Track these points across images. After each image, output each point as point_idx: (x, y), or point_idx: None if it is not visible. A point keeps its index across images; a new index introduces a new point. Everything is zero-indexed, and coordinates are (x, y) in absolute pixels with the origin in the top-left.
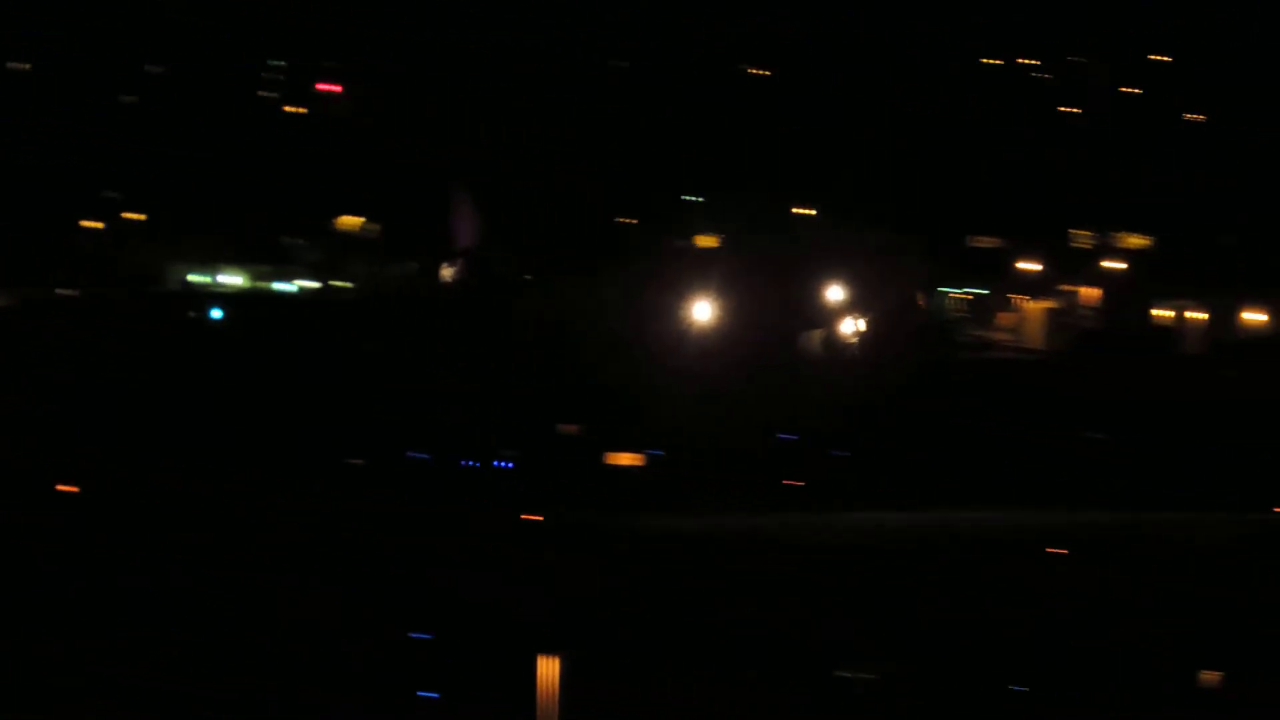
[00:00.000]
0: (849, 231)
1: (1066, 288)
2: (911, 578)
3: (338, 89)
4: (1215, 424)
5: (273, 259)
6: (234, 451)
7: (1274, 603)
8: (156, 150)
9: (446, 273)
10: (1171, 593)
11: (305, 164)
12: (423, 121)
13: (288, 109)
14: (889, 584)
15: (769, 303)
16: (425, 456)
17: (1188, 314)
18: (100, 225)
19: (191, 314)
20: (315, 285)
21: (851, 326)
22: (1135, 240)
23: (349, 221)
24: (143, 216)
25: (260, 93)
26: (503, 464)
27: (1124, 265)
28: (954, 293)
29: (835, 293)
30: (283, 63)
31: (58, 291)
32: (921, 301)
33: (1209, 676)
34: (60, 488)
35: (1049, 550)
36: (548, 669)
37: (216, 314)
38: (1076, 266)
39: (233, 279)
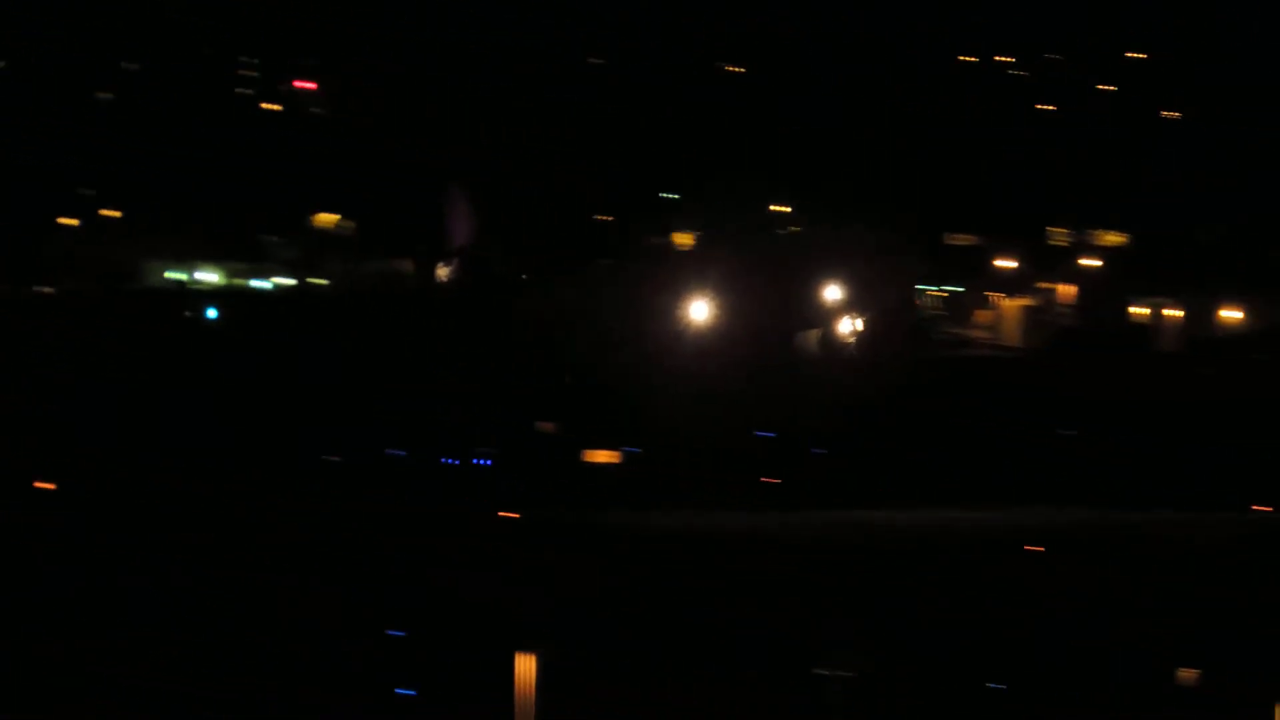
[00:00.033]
0: (844, 230)
1: (1044, 285)
2: (899, 576)
3: (314, 86)
4: (1192, 422)
5: (249, 256)
6: (223, 450)
7: (1260, 600)
8: (133, 147)
9: (442, 272)
10: (1158, 591)
11: (282, 161)
12: (407, 118)
13: (264, 106)
14: (872, 582)
15: (765, 302)
16: (402, 453)
17: (1165, 311)
18: (76, 222)
19: (187, 313)
20: (291, 282)
21: (849, 326)
22: (1112, 238)
23: (325, 219)
24: (118, 213)
25: (237, 90)
26: (481, 461)
27: (1101, 263)
28: (931, 290)
29: (832, 292)
30: (258, 60)
31: (34, 289)
32: (917, 301)
33: (1187, 674)
34: (39, 485)
35: (1027, 548)
36: (525, 666)
37: (212, 313)
38: (1054, 264)
39: (209, 276)
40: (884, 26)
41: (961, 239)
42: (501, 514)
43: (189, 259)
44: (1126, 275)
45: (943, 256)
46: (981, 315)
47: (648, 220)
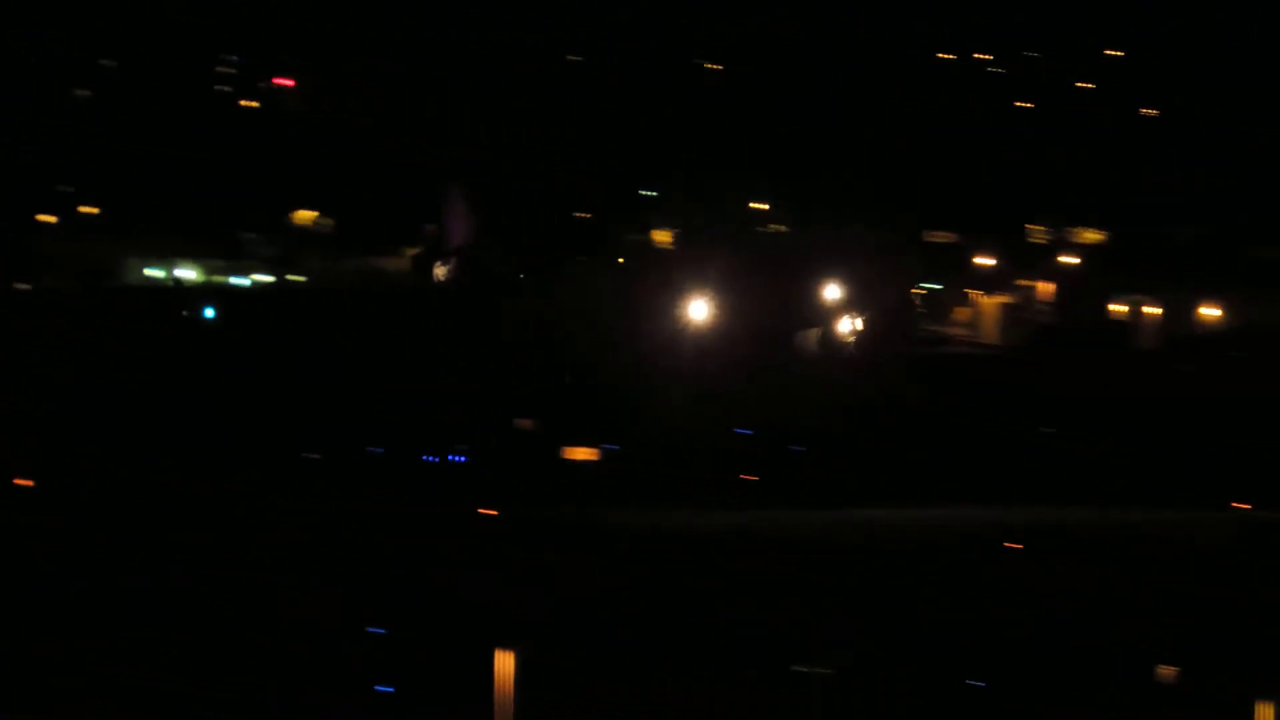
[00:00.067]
0: (842, 230)
1: (1023, 283)
2: (882, 574)
3: (292, 84)
4: (1171, 419)
5: (228, 253)
6: (216, 449)
7: (1240, 597)
8: (112, 145)
9: (440, 271)
10: (1139, 588)
11: (261, 159)
12: (385, 116)
13: (243, 103)
14: (854, 579)
15: (763, 302)
16: (380, 450)
17: (1143, 309)
18: (55, 219)
19: (185, 312)
20: (270, 279)
21: (848, 325)
22: (1091, 236)
23: (304, 216)
24: (97, 210)
25: (216, 87)
26: (457, 458)
27: (1080, 260)
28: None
29: (831, 292)
30: (237, 58)
31: (14, 286)
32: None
33: (1166, 671)
34: (18, 482)
35: (1006, 545)
36: (504, 664)
37: (209, 313)
38: (1033, 262)
39: (188, 273)
40: (862, 26)
41: (940, 236)
42: (481, 511)
43: (168, 256)
44: (1105, 273)
45: (922, 254)
46: (961, 313)
47: (643, 219)
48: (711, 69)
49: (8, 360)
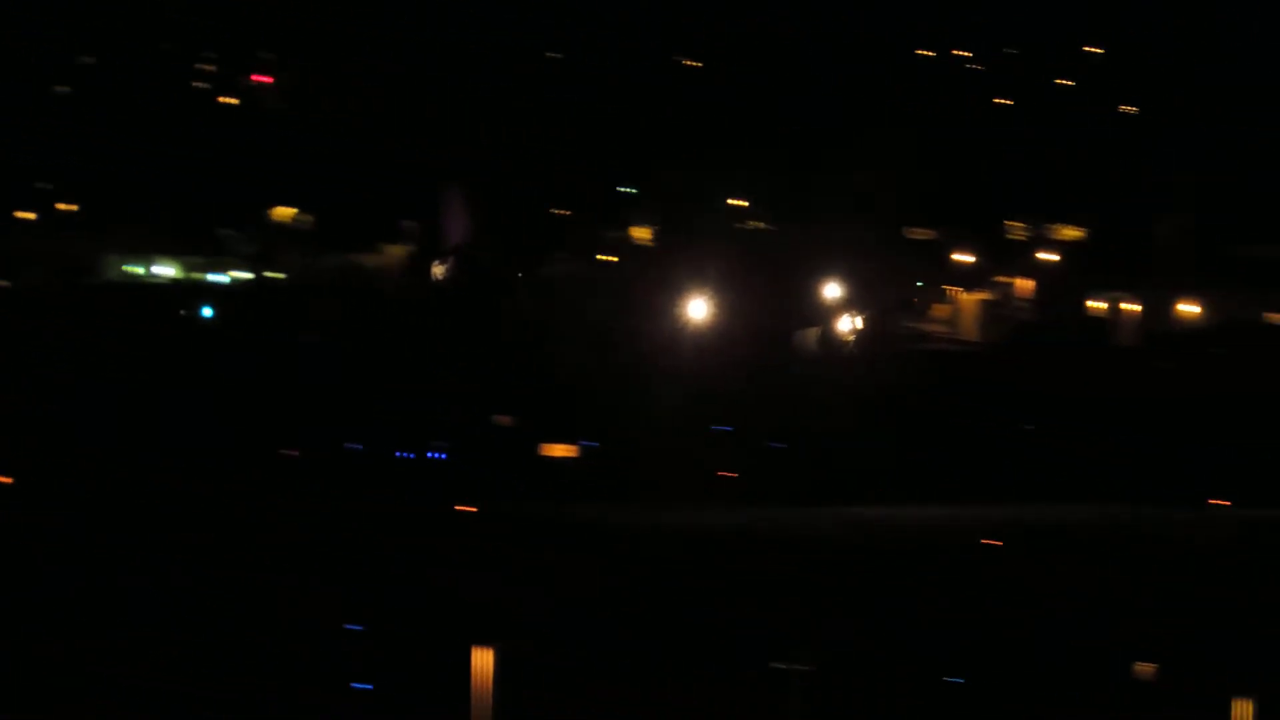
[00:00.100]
0: (833, 227)
1: (1001, 279)
2: (863, 572)
3: (270, 80)
4: (1150, 416)
5: (207, 250)
6: (209, 448)
7: (1218, 595)
8: (90, 141)
9: (437, 270)
10: (1118, 585)
11: (239, 155)
12: (367, 113)
13: (221, 100)
14: (835, 577)
15: (760, 301)
16: (358, 447)
17: (1122, 306)
18: (33, 216)
19: (182, 311)
20: (248, 276)
21: (848, 324)
22: (1070, 232)
23: (283, 212)
24: (75, 207)
25: (195, 84)
26: (435, 455)
27: (1058, 257)
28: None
29: (830, 290)
30: (216, 54)
31: None
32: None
33: (1143, 668)
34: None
35: (984, 541)
36: (482, 661)
37: (207, 312)
38: (1011, 258)
39: (167, 270)
40: (857, 25)
41: (919, 233)
42: (459, 508)
43: (147, 253)
44: (1084, 270)
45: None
46: (939, 309)
47: (629, 218)
48: (691, 65)
49: None
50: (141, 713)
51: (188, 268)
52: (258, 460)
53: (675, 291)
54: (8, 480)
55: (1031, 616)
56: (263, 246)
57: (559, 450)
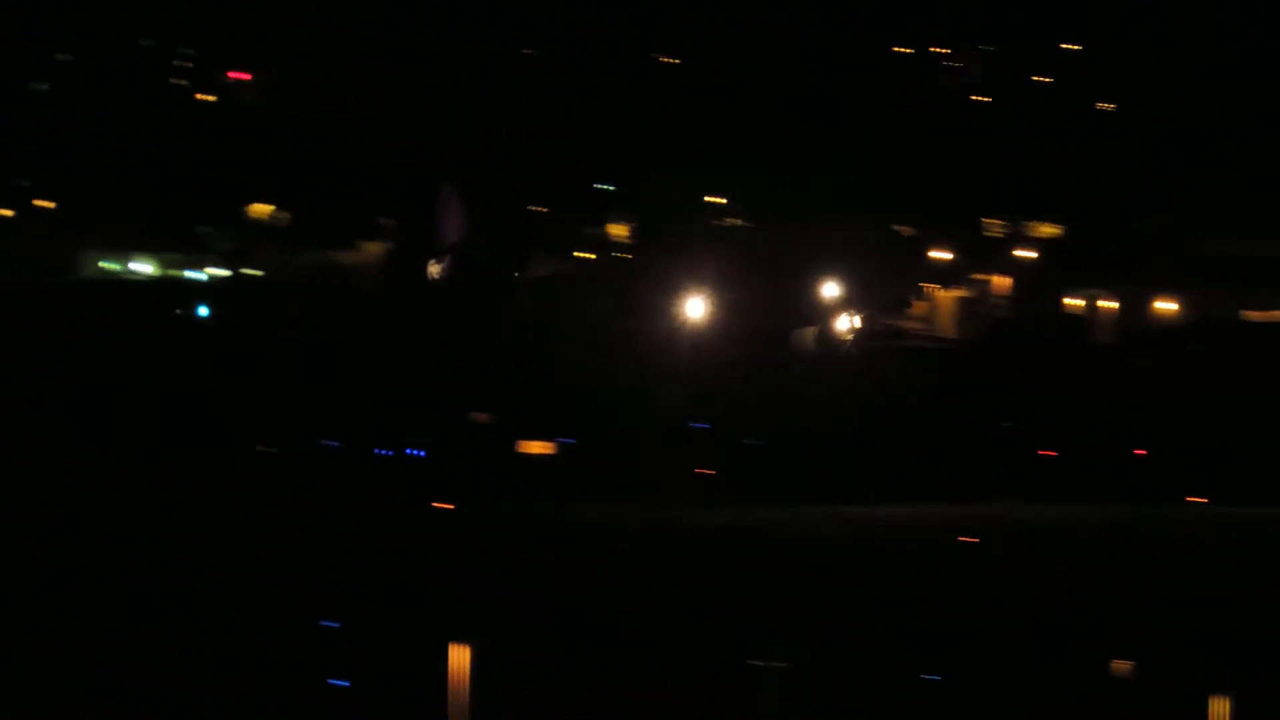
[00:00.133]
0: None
1: (978, 276)
2: (842, 570)
3: (248, 77)
4: (1128, 414)
5: (184, 247)
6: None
7: (1194, 592)
8: (67, 138)
9: (434, 269)
10: (1095, 583)
11: (217, 152)
12: (343, 109)
13: (199, 96)
14: (814, 574)
15: (760, 300)
16: (335, 444)
17: (1100, 303)
18: (11, 214)
19: (178, 310)
20: (226, 273)
21: (846, 323)
22: (1047, 229)
23: (260, 209)
24: (52, 204)
25: (172, 80)
26: (415, 452)
27: (1036, 254)
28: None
29: (827, 289)
30: (193, 50)
31: None
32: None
33: (1120, 666)
34: None
35: (961, 539)
36: (459, 657)
37: (203, 311)
38: (988, 255)
39: (144, 267)
40: (903, 27)
41: (898, 230)
42: (436, 504)
43: (125, 250)
44: (1061, 267)
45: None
46: (916, 306)
47: (616, 215)
48: (668, 62)
49: None
50: (141, 713)
51: (165, 265)
52: (246, 458)
53: (668, 291)
54: None
55: (1009, 614)
56: (240, 244)
57: (536, 447)
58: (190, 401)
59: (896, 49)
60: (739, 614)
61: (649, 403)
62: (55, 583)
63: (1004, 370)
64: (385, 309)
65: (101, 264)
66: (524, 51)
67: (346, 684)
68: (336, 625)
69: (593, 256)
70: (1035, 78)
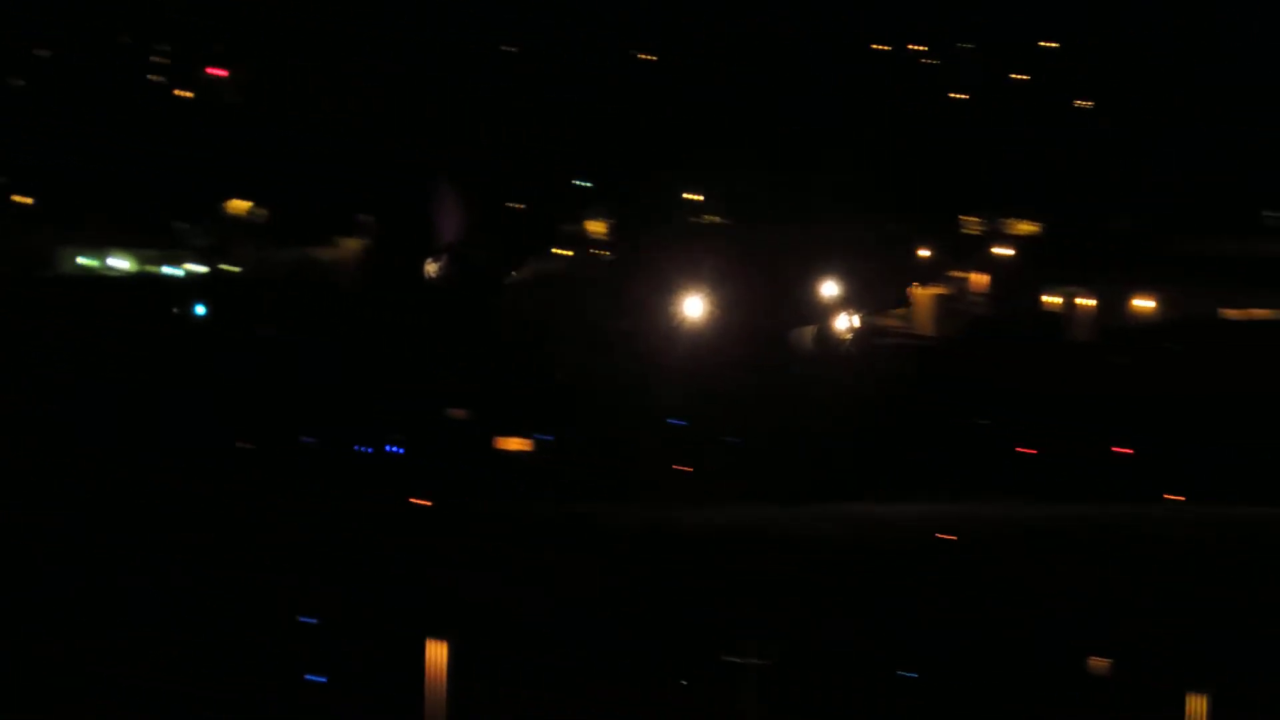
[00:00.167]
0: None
1: (957, 274)
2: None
3: (225, 74)
4: (1105, 411)
5: (161, 243)
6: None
7: (1172, 589)
8: (45, 135)
9: (431, 268)
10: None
11: (194, 148)
12: (322, 106)
13: (177, 93)
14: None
15: (758, 299)
16: (312, 440)
17: (1077, 300)
18: None
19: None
20: (203, 269)
21: (845, 322)
22: (1025, 227)
23: (237, 205)
24: (30, 200)
25: (150, 77)
26: (393, 449)
27: (1014, 252)
28: None
29: (830, 288)
30: (171, 47)
31: None
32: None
33: (1098, 663)
34: None
35: (938, 535)
36: (436, 653)
37: (200, 309)
38: (967, 253)
39: (121, 263)
40: (902, 27)
41: (893, 229)
42: (413, 500)
43: (102, 245)
44: (1039, 264)
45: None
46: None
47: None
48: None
49: None
50: (141, 713)
51: (143, 261)
52: (230, 456)
53: (665, 290)
54: None
55: (985, 611)
56: (218, 240)
57: (514, 444)
58: (177, 399)
59: (893, 48)
60: (721, 611)
61: (640, 401)
62: (55, 583)
63: (981, 368)
64: (365, 305)
65: (79, 260)
66: (504, 49)
67: (324, 679)
68: (314, 621)
69: (570, 253)
70: (1019, 76)
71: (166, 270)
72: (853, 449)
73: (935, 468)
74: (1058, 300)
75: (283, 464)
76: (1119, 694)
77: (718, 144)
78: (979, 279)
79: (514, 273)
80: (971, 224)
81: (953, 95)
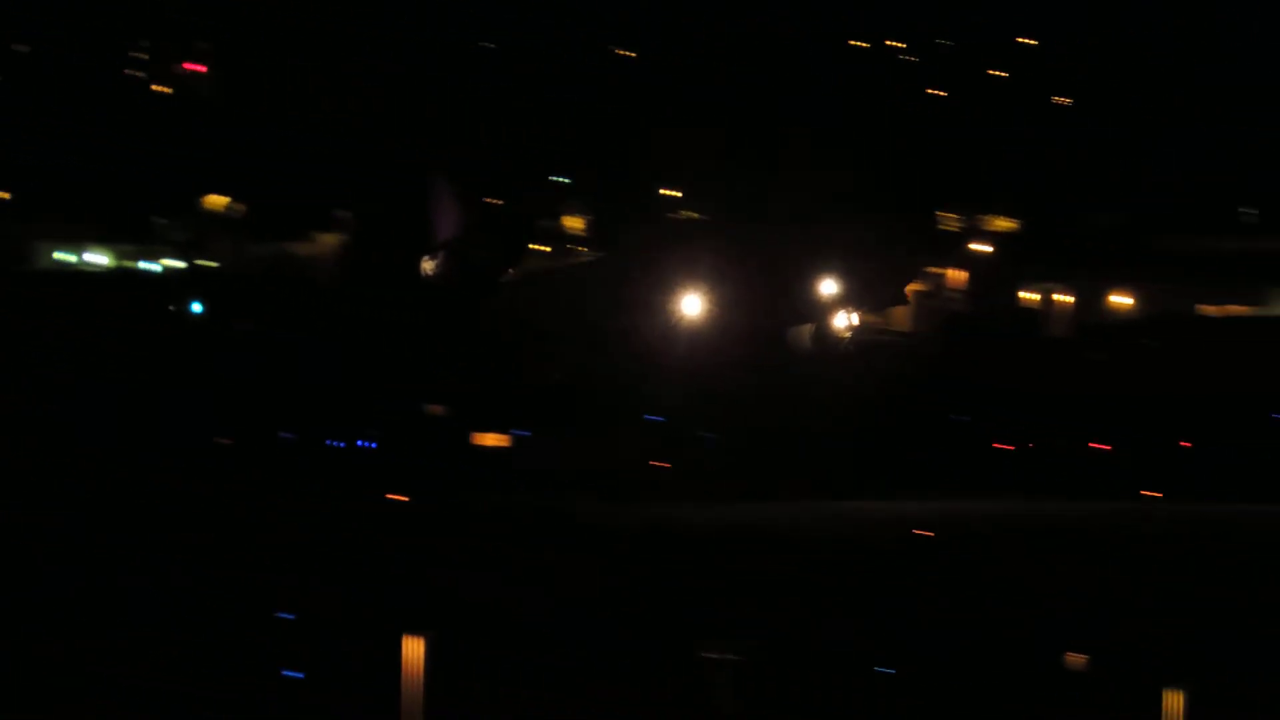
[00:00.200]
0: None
1: (933, 270)
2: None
3: (204, 69)
4: (1084, 408)
5: (138, 238)
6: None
7: (1149, 586)
8: (21, 129)
9: (428, 266)
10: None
11: (172, 144)
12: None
13: (155, 88)
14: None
15: (757, 297)
16: (291, 436)
17: (1055, 297)
18: None
19: (171, 307)
20: (181, 265)
21: (844, 321)
22: (1002, 223)
23: (215, 201)
24: (7, 195)
25: (128, 72)
26: (366, 444)
27: (991, 248)
28: None
29: (828, 287)
30: (149, 42)
31: None
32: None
33: (1073, 659)
34: None
35: (916, 532)
36: (413, 650)
37: (197, 308)
38: (944, 249)
39: (99, 258)
40: (902, 27)
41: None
42: (390, 496)
43: (79, 241)
44: (1017, 261)
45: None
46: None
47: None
48: (625, 55)
49: None
50: (141, 713)
51: (120, 256)
52: (214, 453)
53: (663, 289)
54: None
55: (962, 608)
56: (195, 235)
57: (491, 440)
58: (164, 396)
59: (871, 45)
60: (706, 609)
61: (639, 401)
62: (55, 583)
63: (959, 364)
64: (343, 301)
65: (56, 255)
66: (484, 45)
67: (300, 675)
68: (291, 617)
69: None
70: (997, 73)
71: (144, 266)
72: (852, 449)
73: (916, 465)
74: (1035, 297)
75: (265, 461)
76: (1095, 690)
77: (717, 143)
78: (956, 275)
79: (511, 271)
80: (949, 220)
81: (930, 92)
